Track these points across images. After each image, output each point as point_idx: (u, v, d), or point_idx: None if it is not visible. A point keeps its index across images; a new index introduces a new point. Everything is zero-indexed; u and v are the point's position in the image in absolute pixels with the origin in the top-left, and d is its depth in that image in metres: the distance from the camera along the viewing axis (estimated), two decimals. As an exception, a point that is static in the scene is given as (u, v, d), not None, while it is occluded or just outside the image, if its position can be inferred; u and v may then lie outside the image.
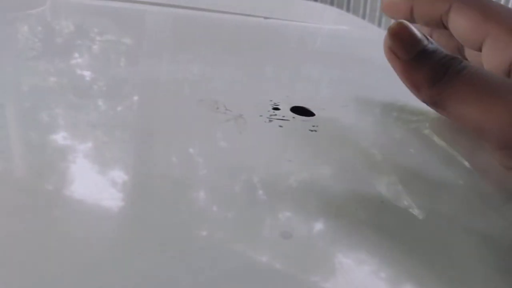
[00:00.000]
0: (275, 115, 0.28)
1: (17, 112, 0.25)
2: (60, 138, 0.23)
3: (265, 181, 0.22)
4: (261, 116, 0.27)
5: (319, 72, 0.40)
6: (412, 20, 0.28)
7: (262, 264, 0.17)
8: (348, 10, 1.93)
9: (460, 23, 0.26)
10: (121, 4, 0.50)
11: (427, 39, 0.23)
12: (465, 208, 0.22)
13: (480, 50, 0.26)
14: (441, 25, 0.27)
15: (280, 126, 0.26)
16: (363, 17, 1.93)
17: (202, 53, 0.40)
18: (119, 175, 0.21)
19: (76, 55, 0.35)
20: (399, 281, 0.17)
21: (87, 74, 0.31)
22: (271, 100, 0.29)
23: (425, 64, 0.23)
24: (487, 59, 0.25)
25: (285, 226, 0.18)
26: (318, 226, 0.19)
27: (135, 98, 0.29)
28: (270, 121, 0.27)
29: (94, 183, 0.20)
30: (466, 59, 0.28)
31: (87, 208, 0.18)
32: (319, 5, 0.75)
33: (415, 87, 0.23)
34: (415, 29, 0.23)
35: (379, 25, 1.90)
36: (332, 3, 1.95)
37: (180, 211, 0.19)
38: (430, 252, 0.18)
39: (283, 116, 0.28)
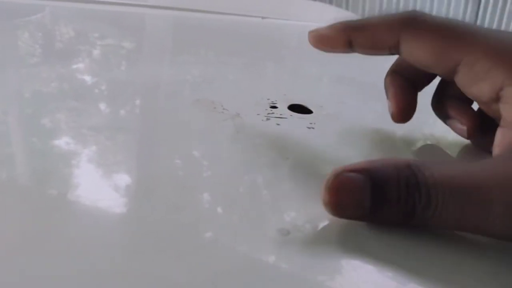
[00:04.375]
0: (273, 113, 0.28)
1: (20, 118, 0.25)
2: (62, 143, 0.23)
3: (263, 179, 0.22)
4: (258, 114, 0.27)
5: (317, 70, 0.40)
6: (350, 51, 0.25)
7: (265, 264, 0.17)
8: (347, 8, 1.93)
9: (418, 54, 0.23)
10: (120, 8, 0.51)
11: (365, 170, 0.18)
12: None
13: (447, 76, 0.23)
14: (388, 53, 0.24)
15: (278, 124, 0.27)
16: (362, 15, 1.93)
17: (200, 54, 0.40)
18: (121, 177, 0.21)
19: (77, 60, 0.35)
20: (400, 280, 0.17)
21: (88, 78, 0.31)
22: (268, 99, 0.30)
23: (387, 211, 0.18)
24: (467, 89, 0.23)
25: (286, 224, 0.18)
26: (319, 224, 0.19)
27: (136, 101, 0.30)
28: (268, 119, 0.27)
29: (98, 187, 0.20)
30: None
31: (91, 211, 0.18)
32: (317, 3, 0.75)
33: (389, 224, 0.18)
34: (350, 174, 0.18)
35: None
36: (331, 2, 1.95)
37: (182, 211, 0.19)
38: (432, 251, 0.18)
39: (281, 114, 0.28)
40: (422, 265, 0.17)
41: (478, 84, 0.22)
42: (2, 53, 0.35)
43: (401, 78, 0.26)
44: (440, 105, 0.27)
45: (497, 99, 0.22)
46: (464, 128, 0.25)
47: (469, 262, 0.18)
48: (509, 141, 0.21)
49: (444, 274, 0.17)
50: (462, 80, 0.22)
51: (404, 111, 0.26)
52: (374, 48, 0.24)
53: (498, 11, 1.79)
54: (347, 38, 0.24)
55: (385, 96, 0.27)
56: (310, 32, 0.25)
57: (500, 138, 0.22)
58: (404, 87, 0.26)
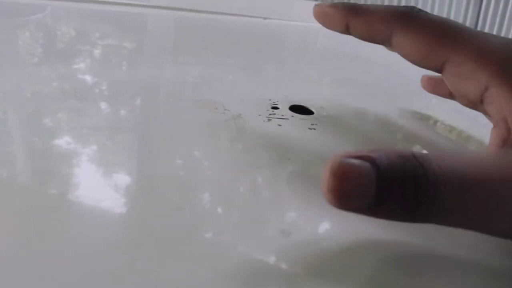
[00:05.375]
0: (274, 114, 0.28)
1: (20, 118, 0.25)
2: (63, 142, 0.23)
3: (265, 180, 0.22)
4: (260, 115, 0.27)
5: (318, 71, 0.40)
6: (347, 33, 0.25)
7: (265, 264, 0.17)
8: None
9: (409, 49, 0.23)
10: (121, 8, 0.51)
11: (371, 158, 0.16)
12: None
13: (436, 70, 0.23)
14: (381, 43, 0.24)
15: (279, 125, 0.27)
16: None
17: (202, 54, 0.40)
18: (122, 177, 0.21)
19: (78, 60, 0.35)
20: (400, 281, 0.17)
21: (88, 78, 0.31)
22: (270, 100, 0.30)
23: (392, 202, 0.16)
24: (453, 87, 0.23)
25: (287, 225, 0.18)
26: (320, 224, 0.19)
27: (137, 101, 0.30)
28: (269, 120, 0.27)
29: (98, 186, 0.20)
30: None
31: (91, 211, 0.18)
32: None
33: (394, 220, 0.17)
34: (356, 161, 0.16)
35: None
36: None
37: (183, 211, 0.19)
38: (434, 252, 0.18)
39: (282, 115, 0.28)
40: (423, 266, 0.17)
41: (463, 83, 0.22)
42: (3, 52, 0.35)
43: None
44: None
45: (482, 100, 0.22)
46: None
47: (470, 262, 0.18)
48: (503, 138, 0.21)
49: (445, 274, 0.17)
50: (449, 78, 0.23)
51: None
52: (368, 36, 0.25)
53: (499, 12, 1.79)
54: (346, 20, 0.24)
55: (386, 98, 0.27)
56: (316, 6, 0.25)
57: (494, 136, 0.22)
58: None
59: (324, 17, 0.25)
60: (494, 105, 0.21)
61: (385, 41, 0.24)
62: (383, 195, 0.16)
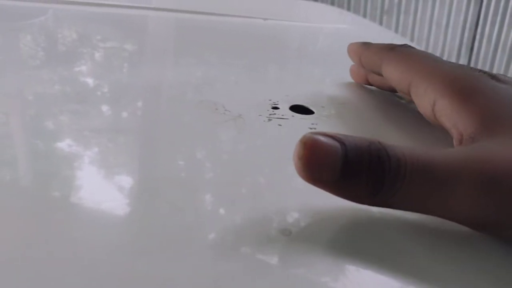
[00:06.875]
0: (274, 114, 0.28)
1: (22, 120, 0.26)
2: (65, 145, 0.23)
3: (265, 180, 0.22)
4: (260, 115, 0.27)
5: (318, 71, 0.40)
6: (364, 68, 0.32)
7: (267, 264, 0.17)
8: (348, 9, 1.93)
9: (390, 75, 0.28)
10: (122, 10, 0.51)
11: (339, 139, 0.18)
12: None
13: (408, 93, 0.27)
14: (378, 73, 0.30)
15: (279, 125, 0.27)
16: (364, 16, 1.93)
17: (202, 56, 0.40)
18: (124, 179, 0.21)
19: (79, 62, 0.35)
20: (404, 280, 0.17)
21: (90, 81, 0.31)
22: (270, 100, 0.30)
23: (357, 178, 0.18)
24: (416, 104, 0.26)
25: (288, 225, 0.19)
26: (321, 224, 0.19)
27: (138, 103, 0.30)
28: (269, 120, 0.27)
29: (100, 188, 0.20)
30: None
31: (94, 213, 0.18)
32: (319, 4, 0.75)
33: (356, 201, 0.19)
34: (326, 138, 0.18)
35: (380, 23, 1.90)
36: (332, 3, 1.95)
37: (185, 213, 0.19)
38: (435, 251, 0.18)
39: (282, 115, 0.28)
40: (425, 265, 0.17)
41: (420, 101, 0.25)
42: (5, 55, 0.35)
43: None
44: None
45: (434, 114, 0.24)
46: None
47: (471, 262, 0.18)
48: (459, 141, 0.22)
49: (447, 274, 0.17)
50: (413, 98, 0.26)
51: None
52: (369, 66, 0.31)
53: (500, 11, 1.78)
54: (359, 53, 0.31)
55: (387, 98, 0.27)
56: (350, 45, 0.33)
57: (454, 143, 0.23)
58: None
59: (349, 51, 0.33)
60: (444, 116, 0.23)
61: (379, 70, 0.29)
62: (347, 171, 0.18)
